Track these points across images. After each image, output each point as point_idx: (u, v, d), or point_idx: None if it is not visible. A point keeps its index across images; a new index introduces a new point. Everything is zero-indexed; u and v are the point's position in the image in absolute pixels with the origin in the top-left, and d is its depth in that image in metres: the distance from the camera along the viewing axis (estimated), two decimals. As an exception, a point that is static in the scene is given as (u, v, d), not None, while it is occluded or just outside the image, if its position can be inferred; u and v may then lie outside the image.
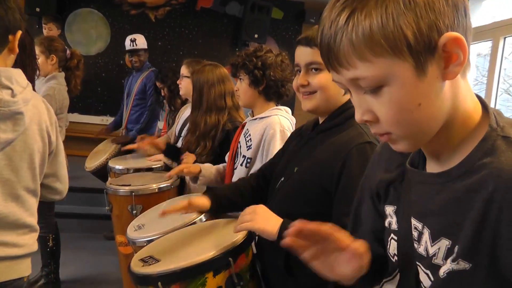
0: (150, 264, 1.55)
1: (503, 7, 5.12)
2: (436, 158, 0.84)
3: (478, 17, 5.10)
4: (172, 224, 2.04)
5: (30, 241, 1.59)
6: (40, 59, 3.23)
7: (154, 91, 4.69)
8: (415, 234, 0.84)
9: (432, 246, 0.80)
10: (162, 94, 4.31)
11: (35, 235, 1.62)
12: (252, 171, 2.29)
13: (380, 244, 1.01)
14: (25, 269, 1.59)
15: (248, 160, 2.32)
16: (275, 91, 2.33)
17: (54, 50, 3.35)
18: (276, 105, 2.39)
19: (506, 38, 4.86)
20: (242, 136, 2.42)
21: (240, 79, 2.36)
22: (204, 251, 1.52)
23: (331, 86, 1.54)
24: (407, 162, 0.90)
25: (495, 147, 0.74)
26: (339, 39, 0.74)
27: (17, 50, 1.53)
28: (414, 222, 0.85)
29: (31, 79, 1.82)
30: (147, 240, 1.99)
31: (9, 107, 1.42)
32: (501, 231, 0.69)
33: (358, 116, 0.81)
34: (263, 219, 1.47)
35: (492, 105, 4.85)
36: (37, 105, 1.58)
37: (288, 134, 2.17)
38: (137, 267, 1.56)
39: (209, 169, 2.55)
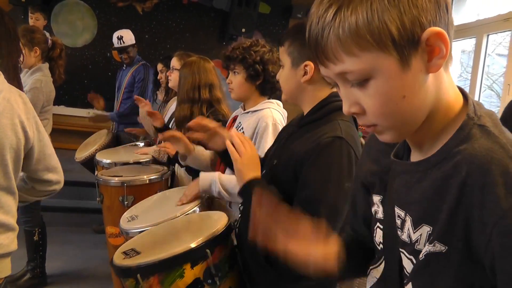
0: (131, 257, 1.60)
1: (487, 5, 5.18)
2: (419, 148, 0.87)
3: (462, 15, 5.16)
4: (165, 215, 2.07)
5: (5, 241, 1.50)
6: (23, 52, 3.20)
7: (144, 83, 4.68)
8: (398, 222, 0.88)
9: (414, 232, 0.83)
10: (158, 77, 4.28)
11: (12, 235, 1.54)
12: None
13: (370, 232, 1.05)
14: (2, 270, 1.52)
15: None
16: (272, 86, 2.37)
17: (37, 42, 3.31)
18: (268, 99, 2.42)
19: (489, 36, 4.93)
20: (234, 130, 2.42)
21: (235, 72, 2.36)
22: (183, 243, 1.57)
23: (286, 82, 1.65)
24: (392, 153, 0.94)
25: (470, 134, 0.78)
26: (326, 34, 0.77)
27: None
28: (397, 210, 0.88)
29: (16, 63, 1.80)
30: (140, 231, 2.02)
31: None
32: (473, 214, 0.72)
33: (345, 108, 0.84)
34: (248, 165, 1.59)
35: (475, 101, 4.93)
36: (10, 98, 1.50)
37: (280, 128, 2.22)
38: (118, 259, 1.61)
39: (201, 151, 2.55)
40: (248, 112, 2.38)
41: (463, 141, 0.78)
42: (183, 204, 2.15)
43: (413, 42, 0.75)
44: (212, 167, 2.56)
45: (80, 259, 4.10)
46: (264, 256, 1.57)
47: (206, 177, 2.17)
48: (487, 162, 0.72)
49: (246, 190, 1.55)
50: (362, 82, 0.78)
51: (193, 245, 1.53)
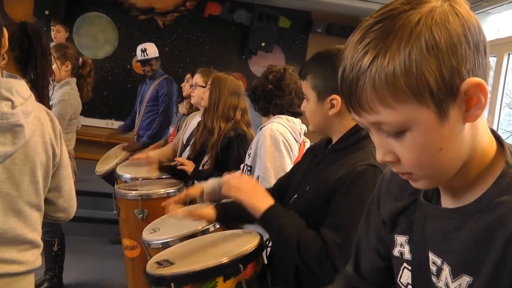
0: (164, 267, 1.65)
1: (508, 23, 5.16)
2: (451, 194, 0.84)
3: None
4: (185, 229, 2.12)
5: (32, 258, 1.52)
6: (54, 66, 3.27)
7: (168, 98, 4.72)
8: (433, 268, 0.84)
9: (453, 282, 0.80)
10: (182, 85, 4.30)
11: (38, 251, 1.56)
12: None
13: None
14: (25, 286, 1.53)
15: (249, 168, 2.38)
16: (264, 110, 2.46)
17: (69, 57, 3.41)
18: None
19: (511, 54, 4.89)
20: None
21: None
22: (216, 257, 1.61)
23: (314, 115, 1.63)
24: (421, 195, 0.90)
25: None
26: (362, 83, 0.73)
27: (7, 45, 1.49)
28: (432, 256, 0.85)
29: (48, 82, 1.84)
30: (162, 243, 2.09)
31: (7, 119, 1.36)
32: None
33: (379, 157, 0.81)
34: (254, 193, 1.59)
35: (495, 119, 4.88)
36: (40, 116, 1.53)
37: (280, 138, 2.25)
38: (152, 268, 1.66)
39: (211, 183, 2.57)
40: (261, 129, 2.42)
41: (504, 191, 0.75)
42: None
43: (452, 93, 0.72)
44: None
45: (96, 269, 4.12)
46: (294, 279, 1.59)
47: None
48: None
49: (265, 220, 1.56)
50: (398, 133, 0.75)
51: (227, 259, 1.56)
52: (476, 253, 0.76)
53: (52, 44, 3.77)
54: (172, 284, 1.53)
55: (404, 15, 0.72)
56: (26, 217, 1.49)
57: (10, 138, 1.39)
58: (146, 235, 2.20)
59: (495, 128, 3.89)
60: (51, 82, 1.88)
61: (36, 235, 1.54)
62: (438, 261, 0.83)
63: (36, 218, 1.54)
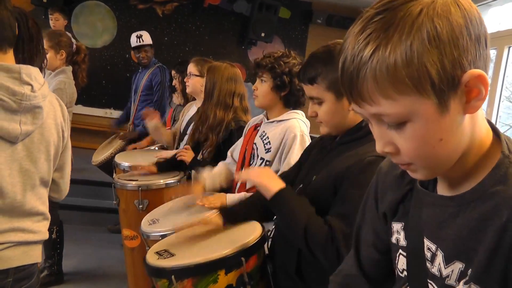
0: (165, 258, 1.62)
1: (509, 16, 5.15)
2: (448, 182, 0.85)
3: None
4: (186, 220, 2.09)
5: (43, 229, 1.63)
6: (49, 54, 3.26)
7: (162, 86, 4.71)
8: (428, 254, 0.86)
9: (445, 268, 0.81)
10: (173, 83, 4.31)
11: (47, 224, 1.67)
12: None
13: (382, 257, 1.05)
14: (38, 256, 1.63)
15: (267, 163, 2.33)
16: (296, 99, 2.36)
17: (64, 45, 3.39)
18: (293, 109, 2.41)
19: (511, 47, 4.89)
20: (258, 138, 2.42)
21: (262, 80, 2.35)
22: (218, 249, 1.58)
23: (333, 116, 1.59)
24: (417, 182, 0.91)
25: (507, 175, 0.75)
26: (363, 74, 0.73)
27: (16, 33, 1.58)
28: (427, 242, 0.86)
29: (40, 67, 1.85)
30: (161, 235, 2.06)
31: (30, 100, 1.50)
32: None
33: (379, 148, 0.81)
34: (267, 177, 1.62)
35: (494, 112, 4.89)
36: (52, 101, 1.67)
37: (307, 139, 2.23)
38: (152, 259, 1.63)
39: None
40: (273, 122, 2.37)
41: (499, 181, 0.76)
42: (203, 205, 2.16)
43: (453, 84, 0.72)
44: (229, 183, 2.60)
45: (95, 258, 4.12)
46: (296, 270, 1.59)
47: (234, 197, 2.23)
48: None
49: (276, 201, 1.56)
50: (399, 124, 0.76)
51: (229, 252, 1.54)
52: (469, 241, 0.77)
53: (45, 32, 3.75)
54: (172, 277, 1.51)
55: (405, 6, 0.72)
56: (38, 191, 1.62)
57: (30, 118, 1.53)
58: (145, 226, 2.18)
59: (493, 121, 3.90)
60: (43, 67, 1.87)
61: (45, 208, 1.66)
62: (433, 247, 0.85)
63: (44, 193, 1.67)
